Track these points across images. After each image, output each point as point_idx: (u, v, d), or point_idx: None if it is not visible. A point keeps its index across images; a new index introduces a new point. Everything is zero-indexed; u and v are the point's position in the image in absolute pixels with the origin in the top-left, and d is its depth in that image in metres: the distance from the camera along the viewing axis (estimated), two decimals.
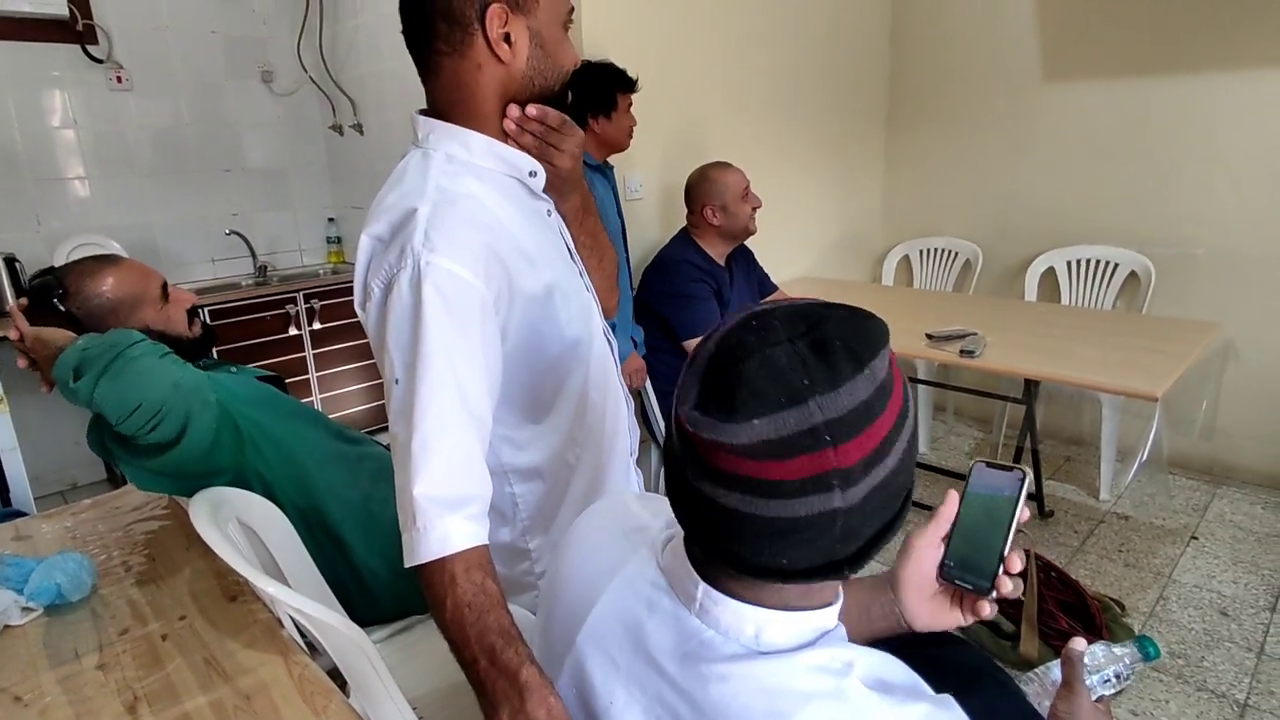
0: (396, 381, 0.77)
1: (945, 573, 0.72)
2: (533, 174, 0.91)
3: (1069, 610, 1.92)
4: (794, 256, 3.06)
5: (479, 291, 0.79)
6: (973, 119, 3.14)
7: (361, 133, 3.34)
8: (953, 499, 0.74)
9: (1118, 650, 0.82)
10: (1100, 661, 0.80)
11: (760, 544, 0.51)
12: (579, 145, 0.93)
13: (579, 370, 0.95)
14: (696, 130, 2.57)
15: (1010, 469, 0.72)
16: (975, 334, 2.21)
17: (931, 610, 0.73)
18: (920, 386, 3.07)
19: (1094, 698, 0.75)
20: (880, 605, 0.74)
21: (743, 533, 0.51)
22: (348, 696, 0.88)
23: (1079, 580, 2.03)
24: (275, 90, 3.43)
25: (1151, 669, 1.85)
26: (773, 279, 2.48)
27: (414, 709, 0.93)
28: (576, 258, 1.01)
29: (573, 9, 0.88)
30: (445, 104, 0.86)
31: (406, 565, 0.74)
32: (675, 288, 2.16)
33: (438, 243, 0.77)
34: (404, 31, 0.85)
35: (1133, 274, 2.77)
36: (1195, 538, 2.41)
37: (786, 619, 0.54)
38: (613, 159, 2.12)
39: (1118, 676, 0.80)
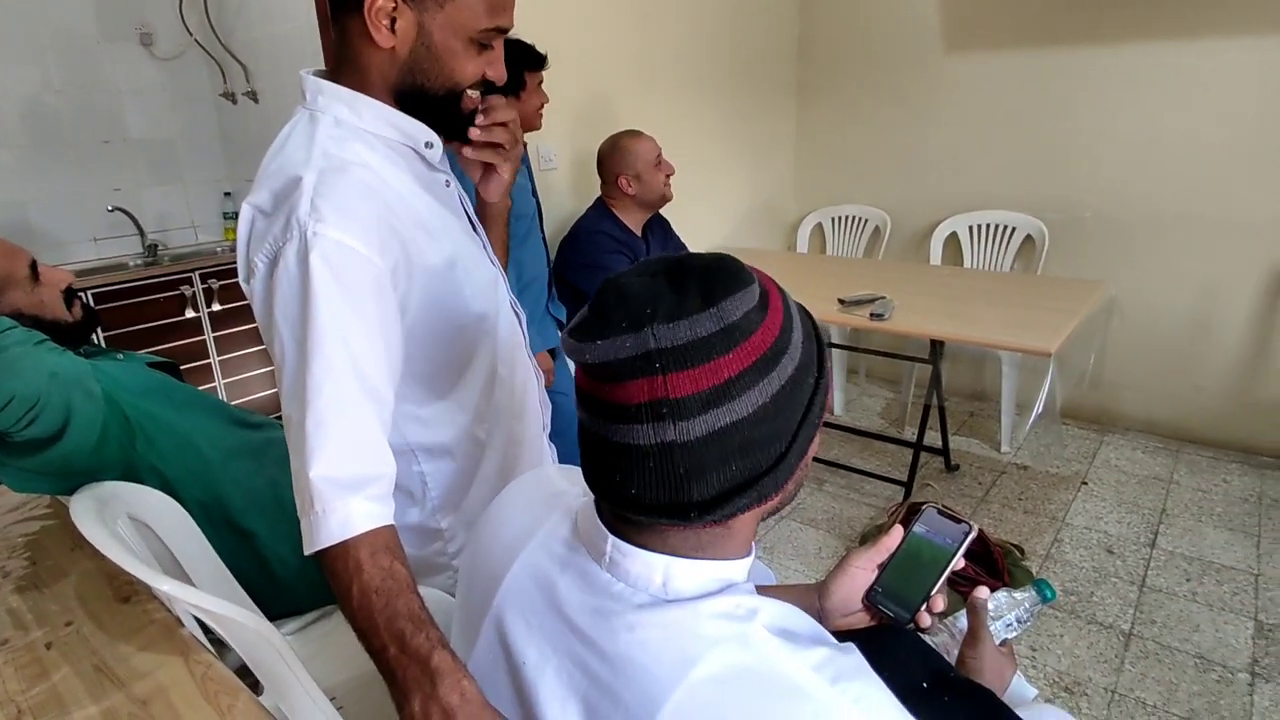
0: (287, 360, 0.74)
1: (872, 596, 0.76)
2: (429, 145, 0.89)
3: (974, 558, 2.03)
4: (710, 226, 3.08)
5: (372, 264, 0.76)
6: (880, 90, 3.19)
7: (256, 100, 3.13)
8: (897, 533, 0.78)
9: (1018, 595, 0.86)
10: (1002, 608, 0.85)
11: (611, 468, 0.53)
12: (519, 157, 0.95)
13: (486, 344, 0.93)
14: (607, 100, 2.54)
15: (960, 521, 0.77)
16: (884, 298, 2.25)
17: (848, 623, 0.77)
18: (834, 350, 3.14)
19: (998, 642, 0.79)
20: (807, 611, 0.76)
21: (598, 455, 0.54)
22: (259, 694, 0.85)
23: (983, 528, 2.15)
24: (156, 54, 3.17)
25: (1048, 608, 1.97)
26: (690, 248, 2.37)
27: (332, 699, 0.90)
28: (480, 230, 0.99)
29: (502, 32, 0.84)
30: (339, 62, 0.83)
31: (306, 552, 0.71)
32: (591, 259, 2.15)
33: (325, 212, 0.74)
34: None
35: (1029, 237, 2.89)
36: (1085, 483, 2.56)
37: (693, 567, 0.55)
38: (525, 135, 2.08)
39: (1019, 621, 0.84)
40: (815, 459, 2.93)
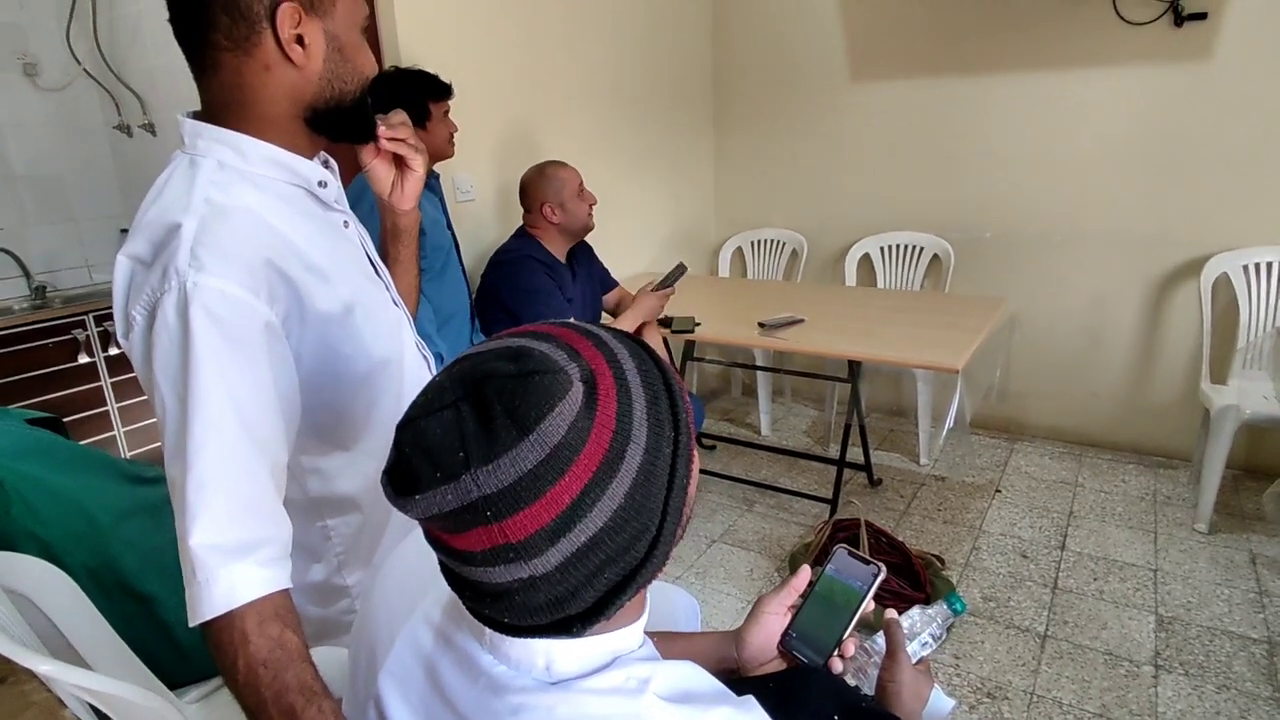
0: (168, 419, 0.70)
1: (786, 642, 0.76)
2: (323, 184, 0.87)
3: (897, 571, 2.07)
4: (632, 253, 3.09)
5: (259, 312, 0.74)
6: (792, 117, 3.26)
7: (154, 133, 2.99)
8: (805, 573, 0.78)
9: (930, 611, 0.88)
10: (917, 626, 0.86)
11: (478, 600, 0.51)
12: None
13: (390, 390, 0.91)
14: (524, 129, 2.53)
15: (869, 563, 0.78)
16: (802, 320, 2.30)
17: (766, 669, 0.76)
18: (759, 373, 3.19)
19: (915, 660, 0.81)
20: (724, 661, 0.77)
21: (460, 587, 0.52)
22: None
23: (905, 542, 2.18)
24: (41, 84, 2.98)
25: (969, 615, 2.01)
26: (613, 274, 2.48)
27: None
28: (383, 271, 0.97)
29: (369, 13, 0.85)
30: (221, 105, 0.80)
31: (190, 624, 0.68)
32: (523, 283, 2.13)
33: (207, 260, 0.72)
34: (171, 19, 0.78)
35: (935, 256, 3.00)
36: (999, 490, 2.64)
37: (577, 645, 0.53)
38: (437, 165, 2.04)
39: (934, 637, 0.86)
40: (745, 481, 2.91)
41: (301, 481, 0.88)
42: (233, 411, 0.70)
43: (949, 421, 2.11)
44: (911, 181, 3.07)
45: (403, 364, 0.93)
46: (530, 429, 0.46)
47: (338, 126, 0.85)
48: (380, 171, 0.96)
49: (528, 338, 0.52)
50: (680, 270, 2.20)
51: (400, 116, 0.94)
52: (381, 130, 0.91)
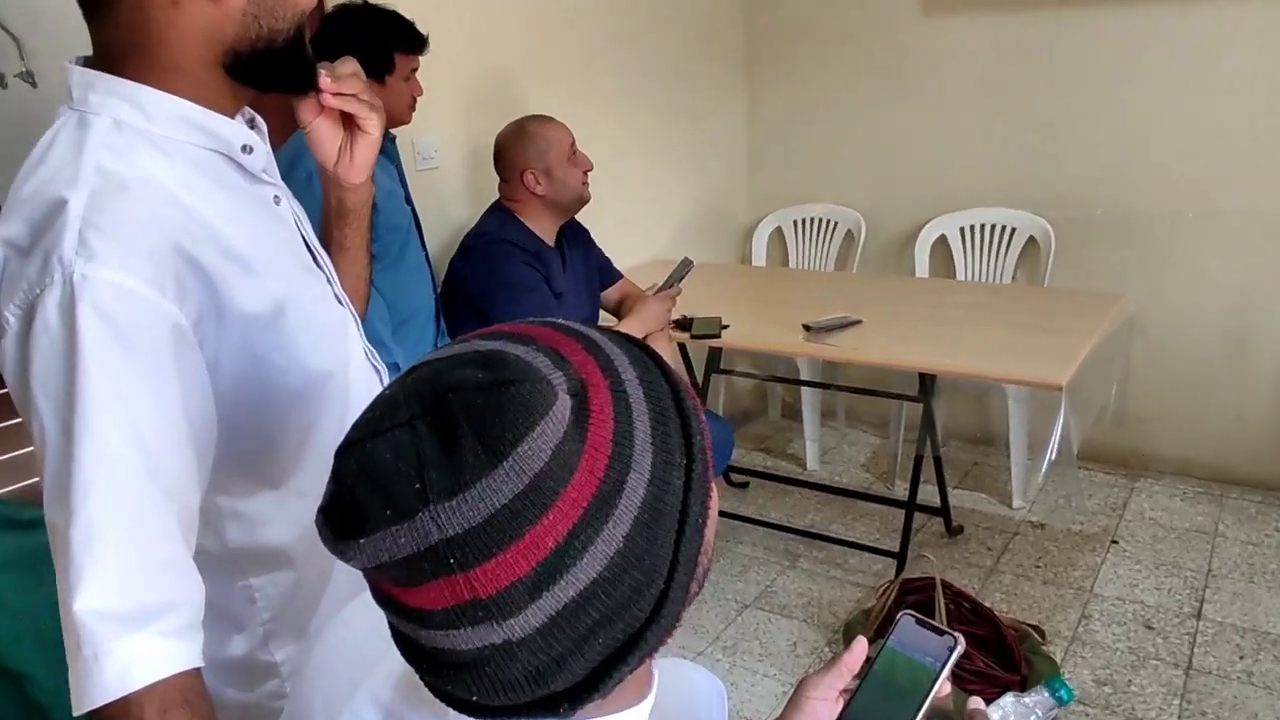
0: (49, 449, 0.71)
1: None
2: (247, 149, 0.87)
3: (984, 646, 2.06)
4: (641, 237, 3.08)
5: (166, 312, 0.74)
6: (846, 64, 3.26)
7: (34, 84, 3.01)
8: (861, 647, 0.77)
9: (1028, 700, 0.87)
10: (1010, 718, 0.84)
11: (439, 673, 0.51)
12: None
13: (332, 411, 0.91)
14: (505, 80, 2.56)
15: (943, 633, 0.77)
16: (859, 321, 2.30)
17: None
18: (804, 389, 3.20)
19: None
20: None
21: (416, 659, 0.52)
22: None
23: (993, 608, 2.18)
24: None
25: (1078, 704, 1.99)
26: (616, 265, 2.51)
27: None
28: (324, 260, 0.98)
29: None
30: (120, 50, 0.80)
31: (76, 711, 0.68)
32: (498, 274, 2.15)
33: (99, 247, 0.71)
34: None
35: (1031, 240, 3.01)
36: (1115, 541, 2.66)
37: None
38: (393, 129, 2.06)
39: None
40: (786, 528, 2.89)
41: (218, 529, 0.88)
42: (131, 440, 0.70)
43: (1050, 453, 2.10)
44: (1002, 145, 3.06)
45: (347, 378, 0.93)
46: (504, 453, 0.46)
47: (266, 74, 0.85)
48: (324, 133, 0.96)
49: (502, 340, 0.53)
50: (686, 267, 2.22)
51: (350, 66, 0.94)
52: (325, 83, 0.91)
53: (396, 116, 1.96)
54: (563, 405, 0.49)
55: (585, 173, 2.23)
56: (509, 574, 0.47)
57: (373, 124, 0.96)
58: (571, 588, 0.48)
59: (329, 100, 0.92)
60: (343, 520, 0.48)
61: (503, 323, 0.57)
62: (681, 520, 0.52)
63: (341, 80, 0.92)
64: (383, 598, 0.51)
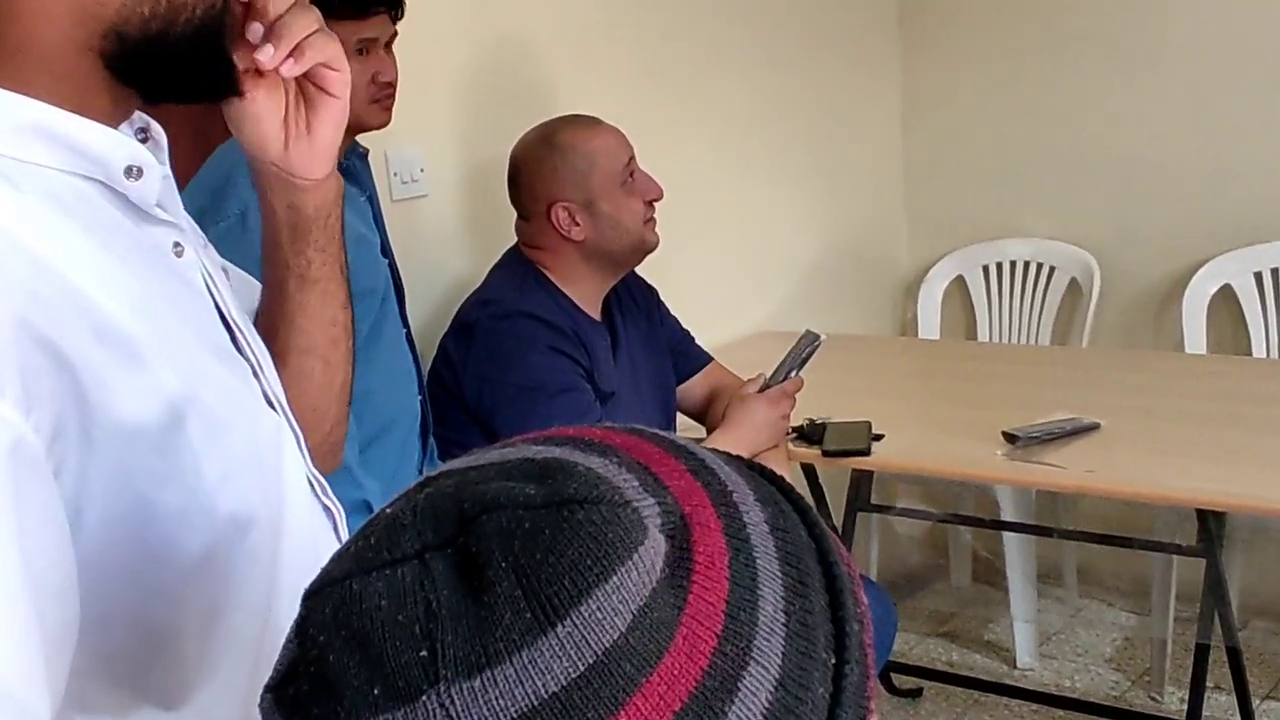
0: None
1: None
2: (134, 172, 0.88)
3: None
4: (741, 300, 3.13)
5: (3, 423, 0.75)
6: (1056, 26, 3.24)
7: None
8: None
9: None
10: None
11: None
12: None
13: (255, 584, 0.93)
14: (525, 65, 2.59)
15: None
16: (1096, 425, 2.26)
17: None
18: (1007, 536, 3.13)
19: None
20: None
21: None
22: None
23: None
24: None
25: None
26: (701, 343, 2.54)
27: None
28: (249, 340, 0.99)
29: None
30: None
31: None
32: (513, 366, 2.17)
33: None
34: None
35: None
36: None
37: None
38: (364, 140, 2.11)
39: None
40: None
41: None
42: None
43: None
44: None
45: (280, 528, 0.95)
46: (560, 612, 0.47)
47: (162, 74, 0.89)
48: (261, 106, 0.99)
49: (566, 445, 0.56)
50: (812, 344, 2.26)
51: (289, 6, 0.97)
52: (254, 29, 0.93)
53: (363, 117, 1.99)
54: (653, 547, 0.50)
55: (649, 203, 2.23)
56: None
57: (339, 84, 1.00)
58: None
59: (279, 66, 0.96)
60: (306, 702, 0.50)
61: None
62: None
63: (290, 27, 0.95)
64: None
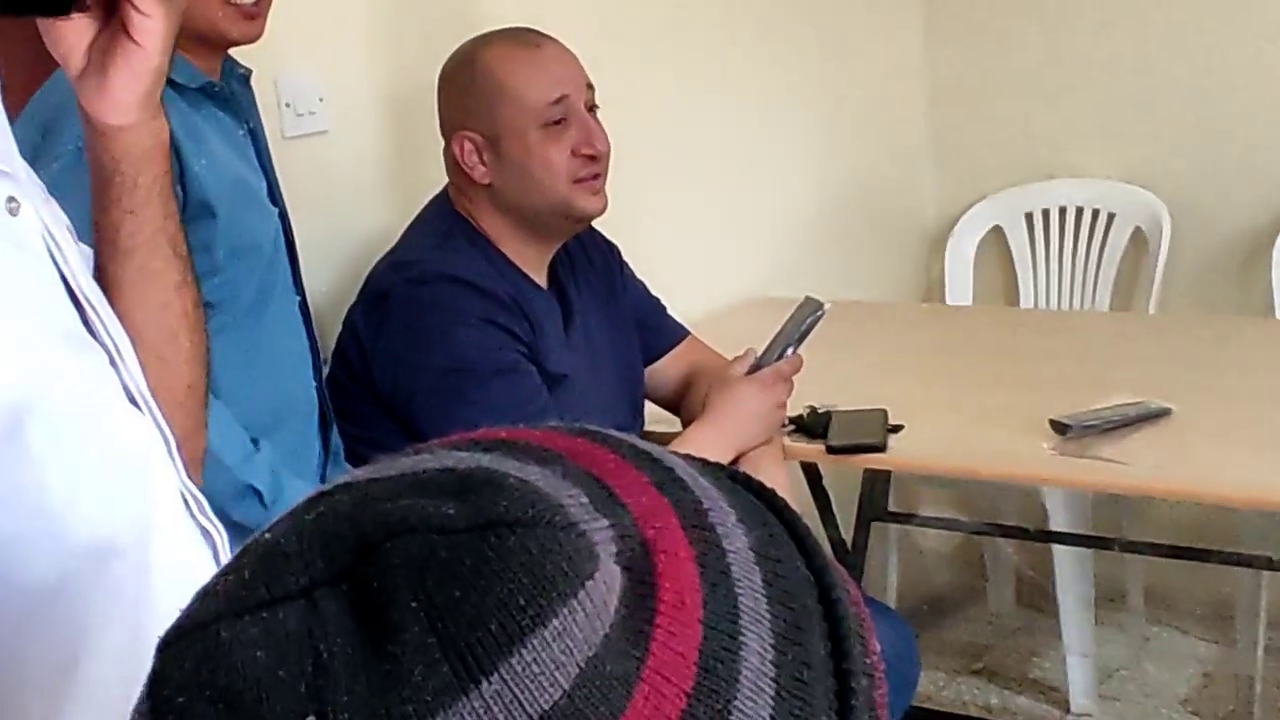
0: None
1: None
2: None
3: None
4: (726, 259, 3.22)
5: None
6: None
7: None
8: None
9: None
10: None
11: None
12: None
13: (115, 624, 0.96)
14: None
15: None
16: (1168, 410, 2.31)
17: None
18: (1059, 550, 3.17)
19: None
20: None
21: None
22: None
23: None
24: None
25: None
26: (676, 315, 2.60)
27: None
28: (104, 316, 1.01)
29: None
30: None
31: None
32: (436, 344, 2.23)
33: None
34: None
35: None
36: None
37: None
38: (248, 59, 2.14)
39: None
40: None
41: None
42: None
43: None
44: None
45: (147, 552, 0.97)
46: (487, 667, 0.47)
47: None
48: (68, 29, 1.02)
49: (497, 451, 0.56)
50: (813, 314, 2.30)
51: None
52: None
53: (210, 25, 1.97)
54: (605, 582, 0.49)
55: (587, 158, 2.25)
56: None
57: (144, 29, 1.02)
58: None
59: None
60: None
61: (447, 435, 0.60)
62: None
63: None
64: None
